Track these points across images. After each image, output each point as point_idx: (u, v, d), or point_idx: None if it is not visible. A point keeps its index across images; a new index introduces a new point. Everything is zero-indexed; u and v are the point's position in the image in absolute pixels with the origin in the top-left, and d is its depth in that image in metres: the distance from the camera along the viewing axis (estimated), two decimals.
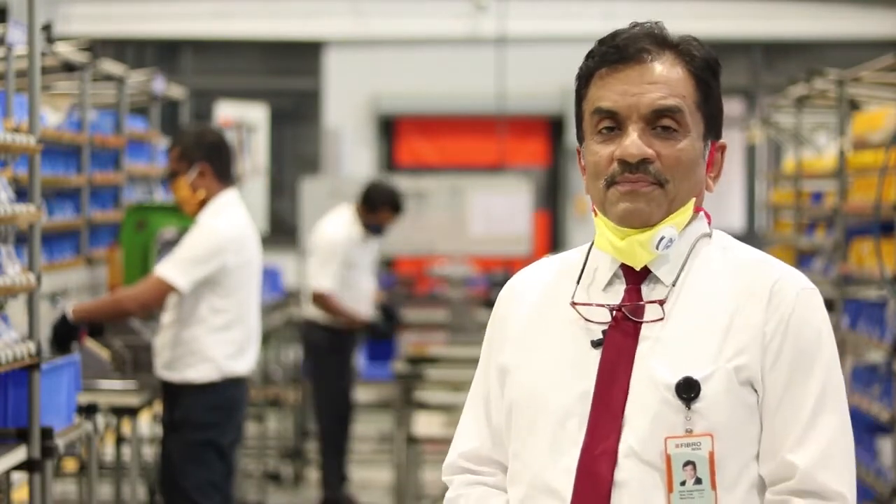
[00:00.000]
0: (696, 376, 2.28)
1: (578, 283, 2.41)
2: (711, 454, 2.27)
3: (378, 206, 8.41)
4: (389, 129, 14.16)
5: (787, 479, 2.30)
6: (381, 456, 9.91)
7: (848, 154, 7.09)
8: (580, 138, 2.44)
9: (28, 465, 4.50)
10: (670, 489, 2.27)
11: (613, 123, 2.36)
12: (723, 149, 2.45)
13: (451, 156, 14.04)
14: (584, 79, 2.41)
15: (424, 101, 13.84)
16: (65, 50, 6.62)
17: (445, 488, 2.52)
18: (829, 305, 7.52)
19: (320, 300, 8.31)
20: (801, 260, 8.49)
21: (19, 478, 5.11)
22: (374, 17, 13.73)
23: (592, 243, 2.44)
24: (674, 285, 2.36)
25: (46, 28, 6.02)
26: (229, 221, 5.90)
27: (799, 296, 2.33)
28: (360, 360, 11.08)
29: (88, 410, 4.99)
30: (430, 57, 13.77)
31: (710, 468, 2.27)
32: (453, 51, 13.78)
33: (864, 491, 6.72)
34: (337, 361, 8.55)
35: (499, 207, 11.29)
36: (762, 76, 13.91)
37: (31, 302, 4.56)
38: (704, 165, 2.40)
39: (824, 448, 2.29)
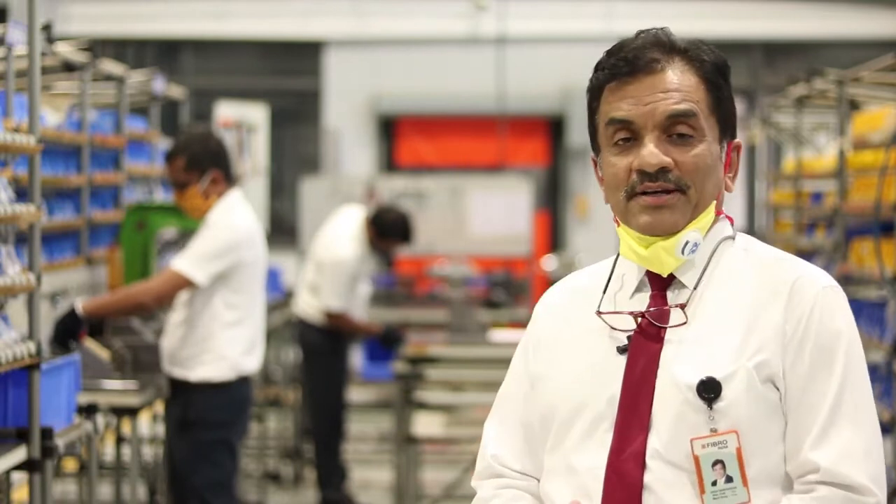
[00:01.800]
0: (717, 376, 2.30)
1: (605, 292, 2.45)
2: (739, 450, 2.29)
3: (389, 235, 8.51)
4: (389, 129, 14.16)
5: (811, 474, 2.31)
6: (380, 456, 9.91)
7: (848, 154, 7.08)
8: (595, 150, 2.47)
9: (28, 465, 4.49)
10: (702, 490, 2.29)
11: (629, 134, 2.38)
12: (738, 148, 2.49)
13: (451, 156, 14.03)
14: (596, 91, 2.43)
15: (424, 101, 13.83)
16: (65, 50, 6.61)
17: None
18: None
19: (335, 319, 8.43)
20: None
21: (19, 478, 5.11)
22: (374, 17, 13.73)
23: (619, 254, 2.48)
24: (696, 288, 2.38)
25: (46, 28, 6.01)
26: (242, 218, 5.91)
27: (819, 294, 2.35)
28: (359, 359, 11.09)
29: (88, 410, 4.99)
30: (430, 57, 13.77)
31: (738, 464, 2.29)
32: (453, 51, 13.77)
33: None
34: (331, 361, 8.59)
35: (499, 207, 11.28)
36: (762, 76, 13.91)
37: (31, 302, 4.56)
38: (722, 167, 2.44)
39: (844, 445, 2.31)
